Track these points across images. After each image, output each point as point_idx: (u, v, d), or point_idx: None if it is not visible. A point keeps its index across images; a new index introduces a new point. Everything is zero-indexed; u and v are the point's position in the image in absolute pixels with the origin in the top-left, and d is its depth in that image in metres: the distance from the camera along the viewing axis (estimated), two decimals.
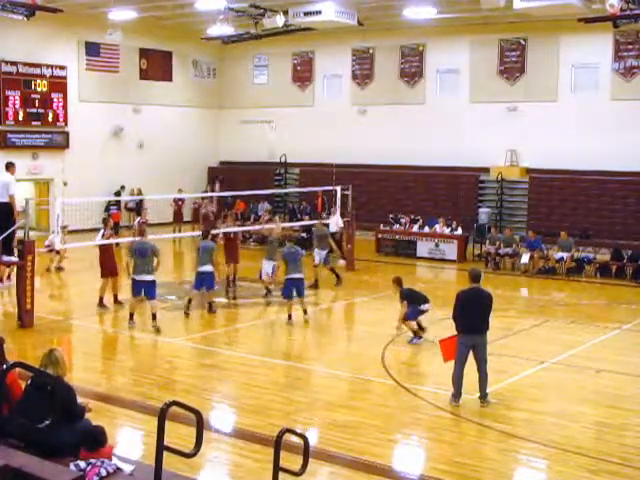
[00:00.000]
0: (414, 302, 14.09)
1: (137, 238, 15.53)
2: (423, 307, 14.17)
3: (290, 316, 15.36)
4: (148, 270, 14.50)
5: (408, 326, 14.09)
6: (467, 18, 25.86)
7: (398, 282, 14.27)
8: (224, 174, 32.57)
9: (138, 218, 22.81)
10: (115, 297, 16.82)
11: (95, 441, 6.13)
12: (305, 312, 15.58)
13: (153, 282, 14.63)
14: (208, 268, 15.73)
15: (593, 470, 8.57)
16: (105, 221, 17.75)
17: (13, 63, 26.88)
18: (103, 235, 16.93)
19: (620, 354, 13.68)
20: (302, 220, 25.57)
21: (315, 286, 18.77)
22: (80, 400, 6.88)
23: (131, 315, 14.99)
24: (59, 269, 21.05)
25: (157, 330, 14.42)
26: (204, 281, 15.82)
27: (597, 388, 11.66)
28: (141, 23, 28.14)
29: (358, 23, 24.59)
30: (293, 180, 31.58)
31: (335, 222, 22.84)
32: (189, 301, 16.00)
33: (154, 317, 14.63)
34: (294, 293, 15.41)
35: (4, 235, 14.61)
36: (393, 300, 18.08)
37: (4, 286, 18.55)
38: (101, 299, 16.51)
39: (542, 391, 11.65)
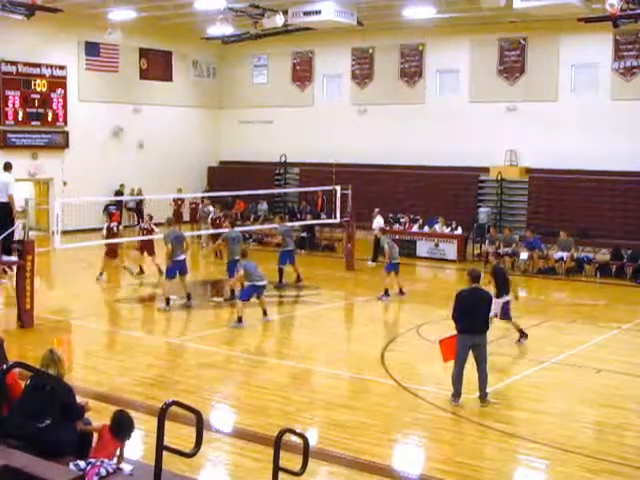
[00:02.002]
0: (501, 285, 13.74)
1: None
2: (504, 299, 13.71)
3: (240, 319, 15.07)
4: (183, 251, 16.75)
5: (515, 326, 13.87)
6: (467, 18, 25.85)
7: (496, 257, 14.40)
8: (224, 174, 32.57)
9: (141, 223, 22.65)
10: None
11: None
12: (265, 313, 15.52)
13: (185, 260, 16.89)
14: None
15: (593, 470, 8.58)
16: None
17: (13, 63, 26.85)
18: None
19: (620, 354, 13.68)
20: (303, 220, 25.58)
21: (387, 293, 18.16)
22: (79, 399, 6.87)
23: (167, 300, 16.45)
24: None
25: (188, 299, 16.76)
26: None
27: (597, 388, 11.66)
28: (141, 23, 28.13)
29: (358, 23, 24.59)
30: (293, 180, 31.59)
31: (377, 225, 22.89)
32: (232, 292, 17.43)
33: (189, 297, 16.74)
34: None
35: (4, 235, 14.60)
36: (393, 300, 18.16)
37: (5, 283, 18.75)
38: None
39: (542, 391, 11.65)
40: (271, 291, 18.40)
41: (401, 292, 18.32)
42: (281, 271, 19.48)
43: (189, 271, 17.60)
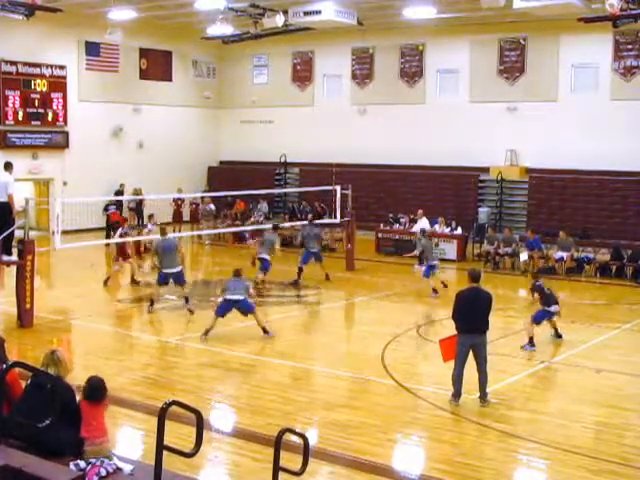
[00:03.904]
0: (544, 301, 13.78)
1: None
2: (552, 309, 13.80)
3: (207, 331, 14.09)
4: (176, 263, 16.00)
5: (528, 329, 13.65)
6: (467, 18, 25.85)
7: (534, 276, 14.42)
8: (224, 174, 32.56)
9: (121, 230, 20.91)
10: None
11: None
12: (264, 330, 14.31)
13: (181, 271, 16.16)
14: (267, 256, 18.61)
15: (593, 470, 8.58)
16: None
17: (13, 63, 26.84)
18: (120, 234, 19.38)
19: (620, 354, 13.68)
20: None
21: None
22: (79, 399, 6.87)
23: (152, 302, 16.19)
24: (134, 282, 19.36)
25: (191, 312, 15.89)
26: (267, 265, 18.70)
27: (597, 388, 11.66)
28: (141, 23, 28.12)
29: (358, 23, 24.59)
30: (293, 180, 31.59)
31: (420, 228, 22.91)
32: (262, 282, 18.61)
33: (187, 300, 16.12)
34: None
35: (4, 235, 14.61)
36: (393, 300, 18.16)
37: (117, 269, 19.44)
38: None
39: (542, 391, 11.66)
40: (273, 291, 18.47)
41: (436, 291, 18.35)
42: (300, 270, 19.72)
43: (188, 273, 17.34)
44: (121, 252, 19.10)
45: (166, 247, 16.04)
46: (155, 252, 16.30)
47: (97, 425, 6.34)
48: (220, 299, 14.33)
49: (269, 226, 21.17)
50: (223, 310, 14.11)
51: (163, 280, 16.11)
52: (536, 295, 14.01)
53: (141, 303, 17.50)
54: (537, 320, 13.78)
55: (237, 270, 14.48)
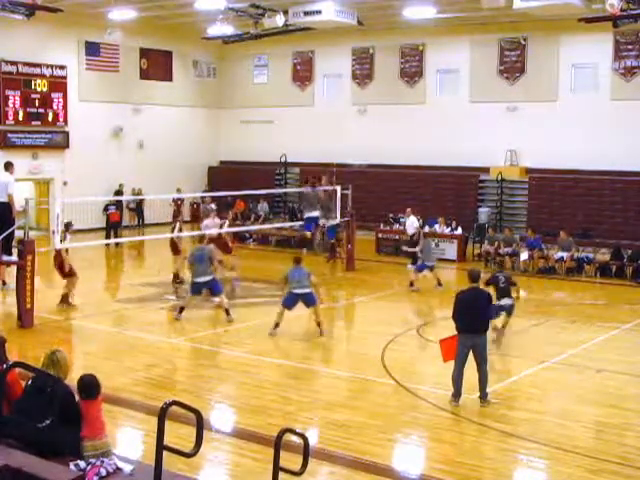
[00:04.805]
0: (498, 294, 13.68)
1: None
2: (502, 302, 13.74)
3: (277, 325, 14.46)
4: (207, 272, 15.35)
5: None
6: (467, 18, 25.85)
7: (499, 267, 14.61)
8: (224, 174, 32.56)
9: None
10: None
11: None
12: (319, 325, 14.53)
13: (213, 279, 15.51)
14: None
15: (593, 470, 8.57)
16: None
17: (13, 63, 26.86)
18: None
19: (620, 354, 13.67)
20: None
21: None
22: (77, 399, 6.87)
23: (181, 309, 15.61)
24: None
25: (230, 321, 15.30)
26: None
27: (597, 388, 11.66)
28: (141, 23, 28.14)
29: (358, 23, 24.59)
30: (293, 180, 31.58)
31: (411, 224, 22.88)
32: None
33: (227, 312, 15.39)
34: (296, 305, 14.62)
35: (4, 235, 14.61)
36: (393, 300, 18.16)
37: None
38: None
39: (542, 391, 11.65)
40: (272, 290, 18.41)
41: (439, 284, 19.18)
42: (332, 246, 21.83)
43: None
44: (174, 248, 19.33)
45: (199, 256, 15.47)
46: (189, 262, 15.91)
47: (96, 422, 6.36)
48: (286, 293, 14.52)
49: (269, 226, 21.26)
50: (290, 303, 14.43)
51: (195, 290, 15.59)
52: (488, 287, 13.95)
53: (141, 303, 17.49)
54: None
55: (298, 258, 14.76)
